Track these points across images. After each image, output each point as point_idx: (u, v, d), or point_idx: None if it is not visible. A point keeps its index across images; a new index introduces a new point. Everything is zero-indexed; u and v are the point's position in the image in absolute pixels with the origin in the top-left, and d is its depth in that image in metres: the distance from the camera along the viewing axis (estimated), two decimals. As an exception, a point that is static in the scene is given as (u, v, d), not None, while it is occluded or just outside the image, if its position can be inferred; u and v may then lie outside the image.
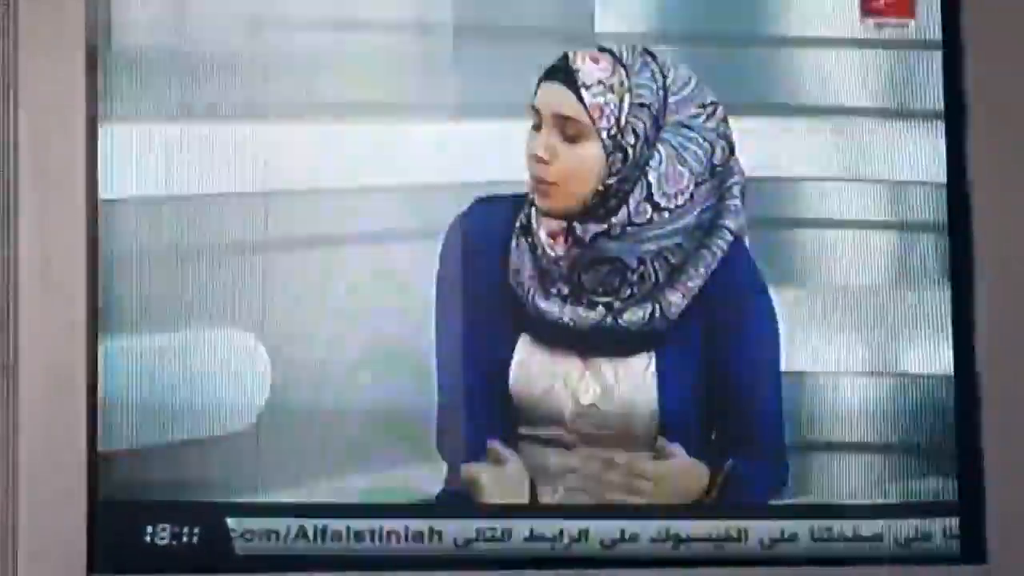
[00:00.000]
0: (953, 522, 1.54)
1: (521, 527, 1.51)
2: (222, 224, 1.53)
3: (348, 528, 1.50)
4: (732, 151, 1.54)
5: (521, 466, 1.52)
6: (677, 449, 1.52)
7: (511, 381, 1.53)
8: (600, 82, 1.51)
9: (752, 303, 1.54)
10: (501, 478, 1.52)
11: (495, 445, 1.52)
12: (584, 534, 1.51)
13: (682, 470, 1.52)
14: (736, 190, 1.54)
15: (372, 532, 1.50)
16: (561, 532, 1.51)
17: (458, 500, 1.52)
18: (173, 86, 1.53)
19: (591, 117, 1.51)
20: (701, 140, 1.52)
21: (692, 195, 1.51)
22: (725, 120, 1.53)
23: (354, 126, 1.54)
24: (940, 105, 1.58)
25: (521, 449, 1.53)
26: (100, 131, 1.52)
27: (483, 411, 1.53)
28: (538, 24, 1.56)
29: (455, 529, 1.50)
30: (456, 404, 1.52)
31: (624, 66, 1.52)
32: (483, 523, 1.50)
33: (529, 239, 1.53)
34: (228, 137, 1.53)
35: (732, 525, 1.52)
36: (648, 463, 1.52)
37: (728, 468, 1.52)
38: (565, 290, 1.53)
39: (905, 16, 1.58)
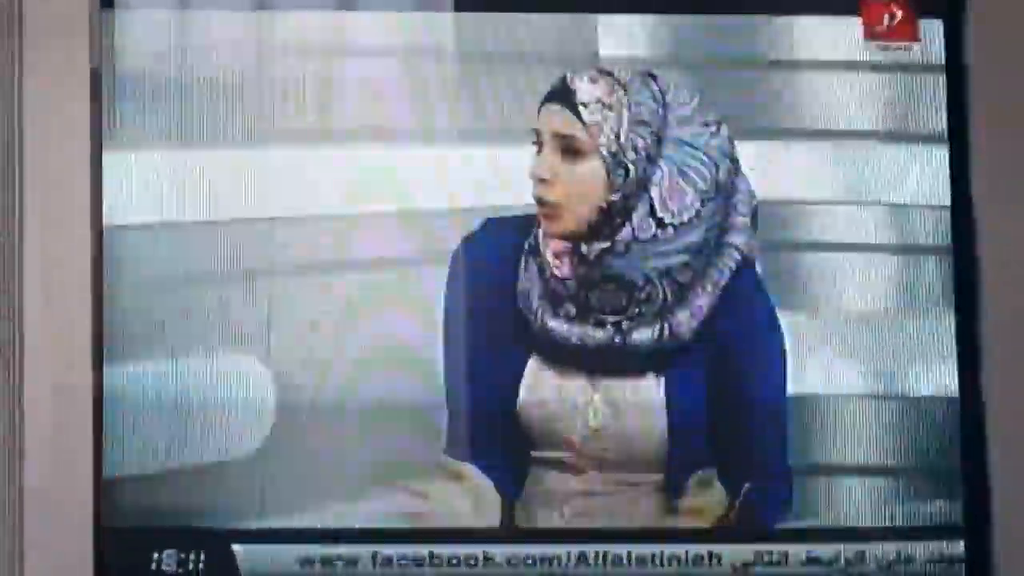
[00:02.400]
0: (959, 545, 1.54)
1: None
2: (227, 250, 1.53)
3: (354, 553, 1.50)
4: (738, 169, 1.54)
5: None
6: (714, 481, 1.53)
7: (520, 404, 1.53)
8: (598, 100, 1.51)
9: (760, 324, 1.55)
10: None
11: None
12: None
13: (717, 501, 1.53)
14: (743, 208, 1.54)
15: (378, 557, 1.50)
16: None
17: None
18: (177, 112, 1.54)
19: (590, 135, 1.51)
20: (705, 158, 1.52)
21: (698, 212, 1.52)
22: (730, 139, 1.54)
23: (359, 151, 1.54)
24: (944, 128, 1.58)
25: (532, 472, 1.53)
26: (104, 158, 1.52)
27: (493, 435, 1.53)
28: (542, 49, 1.56)
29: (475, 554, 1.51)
30: (466, 428, 1.52)
31: (623, 85, 1.52)
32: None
33: (537, 260, 1.54)
34: (232, 163, 1.53)
35: (730, 548, 1.52)
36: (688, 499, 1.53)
37: (745, 491, 1.52)
38: (573, 310, 1.53)
39: (909, 40, 1.58)
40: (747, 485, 1.52)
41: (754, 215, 1.54)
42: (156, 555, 1.50)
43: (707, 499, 1.53)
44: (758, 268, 1.55)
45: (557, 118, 1.52)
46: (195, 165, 1.53)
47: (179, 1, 1.56)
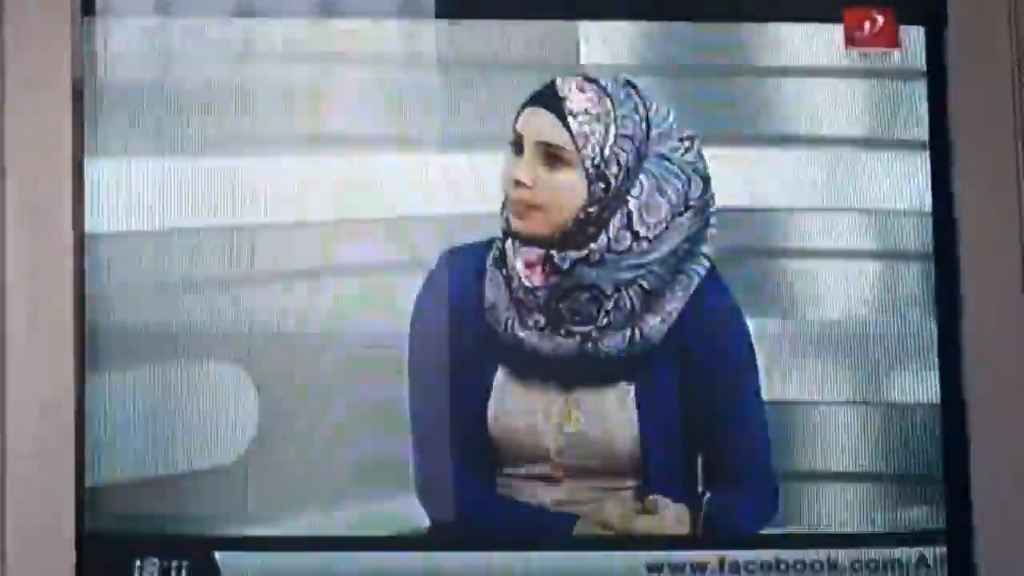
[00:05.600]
0: (941, 551, 1.54)
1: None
2: (208, 258, 1.53)
3: (336, 561, 1.50)
4: (707, 185, 1.54)
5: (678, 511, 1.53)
6: (663, 502, 1.52)
7: (490, 423, 1.53)
8: (587, 111, 1.51)
9: (728, 329, 1.54)
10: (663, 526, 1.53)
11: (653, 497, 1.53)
12: None
13: (668, 523, 1.52)
14: (712, 219, 1.54)
15: (361, 565, 1.50)
16: None
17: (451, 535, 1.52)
18: (159, 120, 1.54)
19: (576, 145, 1.51)
20: (680, 173, 1.52)
21: (668, 226, 1.51)
22: (701, 155, 1.54)
23: (342, 159, 1.54)
24: (925, 134, 1.58)
25: (505, 489, 1.53)
26: (86, 166, 1.52)
27: (463, 455, 1.52)
28: (523, 56, 1.56)
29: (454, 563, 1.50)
30: (434, 449, 1.52)
31: (609, 96, 1.52)
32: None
33: (504, 272, 1.53)
34: (213, 171, 1.53)
35: (714, 555, 1.52)
36: (637, 520, 1.52)
37: (706, 504, 1.52)
38: (542, 321, 1.52)
39: (890, 46, 1.58)
40: (707, 495, 1.52)
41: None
42: (138, 563, 1.50)
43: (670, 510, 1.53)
44: (736, 275, 1.55)
45: (543, 124, 1.52)
46: (177, 173, 1.53)
47: (161, 9, 1.56)
